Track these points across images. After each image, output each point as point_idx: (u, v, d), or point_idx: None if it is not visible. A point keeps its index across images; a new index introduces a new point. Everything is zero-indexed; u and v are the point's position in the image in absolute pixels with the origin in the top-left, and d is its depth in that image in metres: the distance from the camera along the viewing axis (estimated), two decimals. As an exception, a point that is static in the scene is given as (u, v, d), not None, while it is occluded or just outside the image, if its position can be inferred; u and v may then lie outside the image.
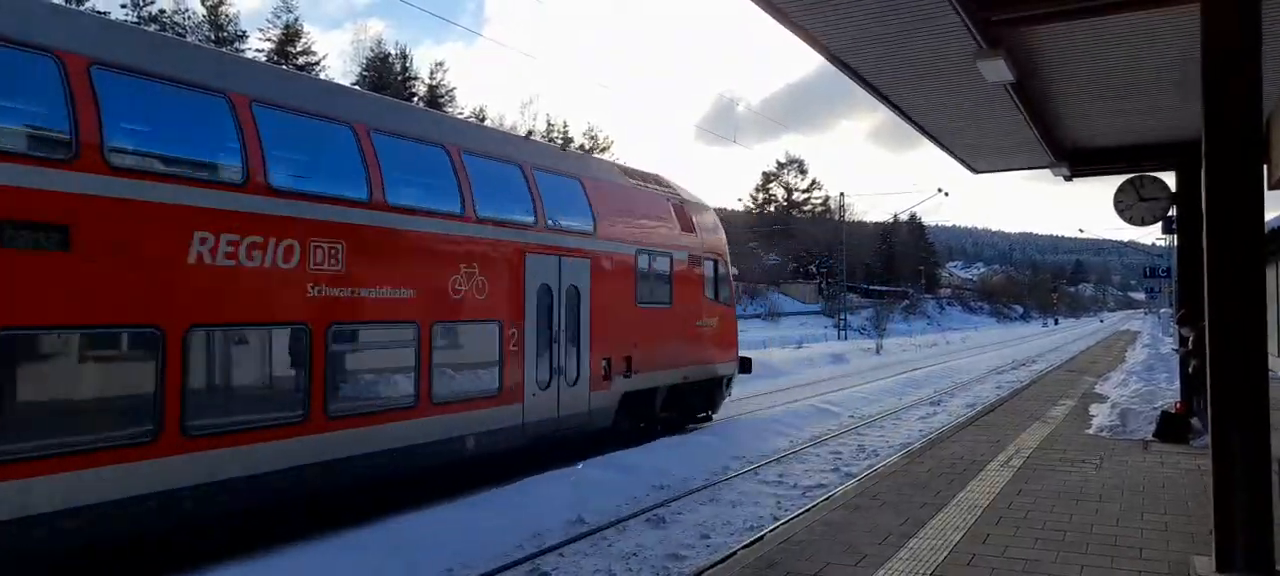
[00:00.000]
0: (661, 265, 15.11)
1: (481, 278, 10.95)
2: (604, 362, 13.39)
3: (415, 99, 60.92)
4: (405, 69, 66.78)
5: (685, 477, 12.09)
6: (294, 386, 8.79)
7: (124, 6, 51.77)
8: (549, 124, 77.34)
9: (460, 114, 65.53)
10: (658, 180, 16.47)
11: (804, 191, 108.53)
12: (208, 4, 55.62)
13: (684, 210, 16.27)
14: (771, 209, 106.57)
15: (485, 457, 11.07)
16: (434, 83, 67.71)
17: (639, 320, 14.31)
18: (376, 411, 9.59)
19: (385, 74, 62.47)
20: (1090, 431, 13.29)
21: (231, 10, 57.89)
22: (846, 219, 78.17)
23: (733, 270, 18.59)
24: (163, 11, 53.29)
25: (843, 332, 60.63)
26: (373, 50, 65.99)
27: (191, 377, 7.66)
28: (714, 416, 17.03)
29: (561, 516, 9.83)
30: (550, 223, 12.40)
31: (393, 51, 67.57)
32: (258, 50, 57.82)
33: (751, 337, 50.82)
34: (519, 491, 10.51)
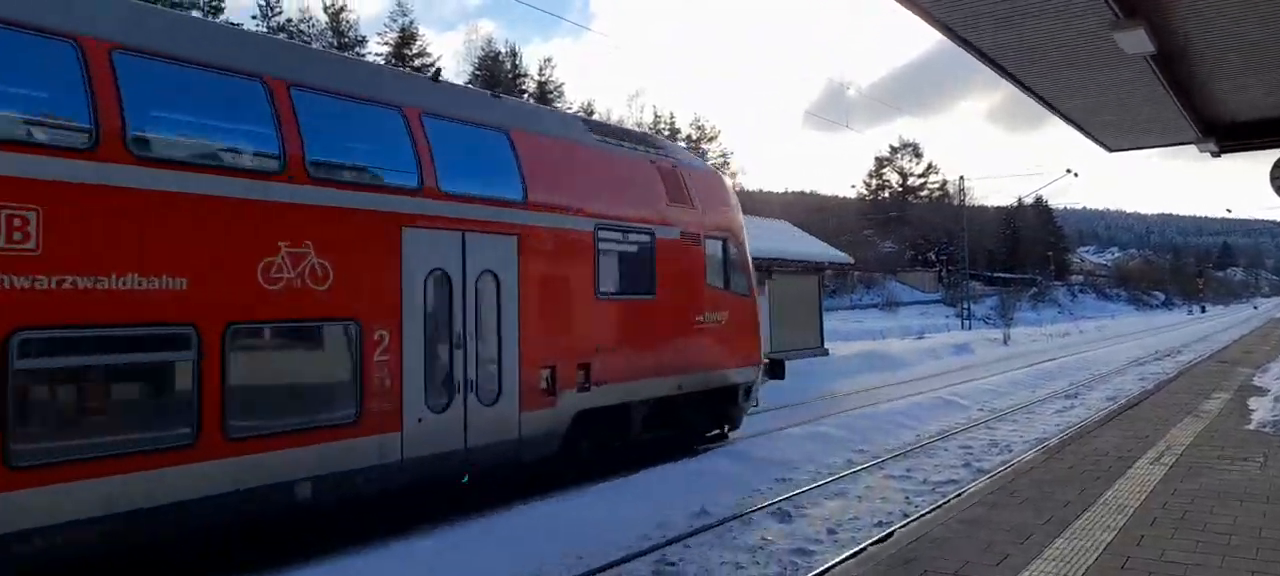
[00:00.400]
0: (638, 245, 11.84)
1: (319, 261, 7.98)
2: (544, 373, 10.21)
3: (526, 96, 62.27)
4: (515, 66, 68.46)
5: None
6: None
7: (254, 17, 55.10)
8: (656, 116, 77.66)
9: (569, 109, 66.88)
10: (643, 139, 13.78)
11: (919, 176, 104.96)
12: (330, 11, 58.56)
13: (676, 176, 12.80)
14: (885, 195, 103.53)
15: (339, 508, 8.31)
16: (543, 78, 69.17)
17: (601, 316, 11.08)
18: (111, 457, 6.60)
19: (496, 72, 64.30)
20: (1250, 426, 12.32)
21: (352, 16, 60.71)
22: (967, 203, 75.11)
23: (751, 253, 14.58)
24: (289, 21, 56.38)
25: (966, 322, 58.35)
26: (484, 49, 67.95)
27: None
28: (732, 434, 13.80)
29: (684, 508, 9.86)
30: (447, 187, 9.25)
31: (503, 50, 69.39)
32: (376, 54, 60.31)
33: (868, 328, 49.75)
34: (633, 484, 10.60)
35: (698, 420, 13.09)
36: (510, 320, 9.84)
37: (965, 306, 62.11)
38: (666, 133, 74.40)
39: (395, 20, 64.89)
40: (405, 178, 9.03)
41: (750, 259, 14.18)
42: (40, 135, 6.61)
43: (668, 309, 12.17)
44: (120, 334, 6.81)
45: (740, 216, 14.21)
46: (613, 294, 11.41)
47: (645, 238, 11.96)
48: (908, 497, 10.60)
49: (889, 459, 12.96)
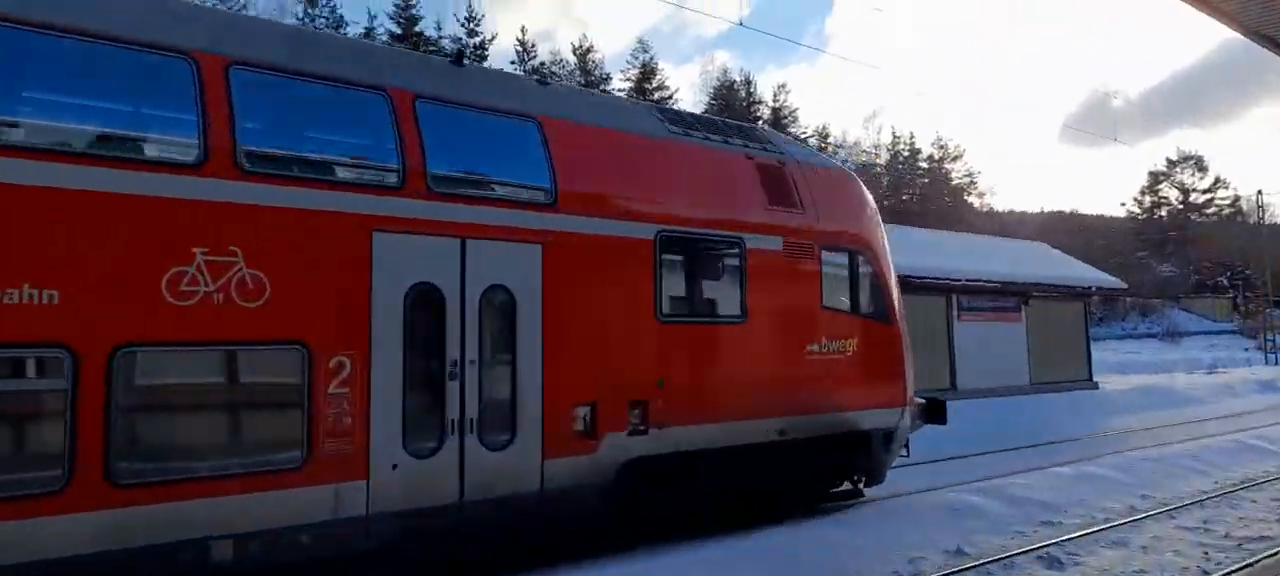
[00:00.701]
0: (722, 257, 9.78)
1: (251, 272, 6.61)
2: (581, 412, 8.39)
3: (759, 123, 62.80)
4: (749, 94, 69.39)
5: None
6: None
7: (512, 61, 59.90)
8: (894, 136, 74.98)
9: (803, 134, 66.30)
10: (741, 131, 10.99)
11: (1204, 192, 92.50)
12: (578, 52, 62.67)
13: (780, 175, 10.44)
14: (1161, 214, 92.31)
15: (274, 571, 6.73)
16: (777, 105, 69.43)
17: (666, 343, 9.05)
18: None
19: (731, 100, 65.56)
20: None
21: (598, 56, 64.74)
22: (1266, 220, 65.06)
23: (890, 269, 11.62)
24: (543, 63, 60.77)
25: (1271, 356, 50.41)
26: (719, 80, 69.54)
27: None
28: (867, 491, 11.29)
29: (938, 544, 9.21)
30: (440, 186, 7.68)
31: (737, 79, 70.54)
32: (620, 89, 63.48)
33: (1146, 360, 44.37)
34: (882, 514, 10.06)
35: (814, 473, 10.53)
36: (530, 346, 8.04)
37: (1267, 338, 53.67)
38: (905, 154, 71.56)
39: (636, 57, 68.46)
40: (381, 173, 7.58)
41: (892, 276, 11.43)
42: None
43: (764, 336, 9.81)
44: None
45: (878, 226, 11.59)
46: (683, 316, 9.30)
47: (732, 248, 9.73)
48: (1206, 553, 9.20)
49: (1180, 507, 11.34)
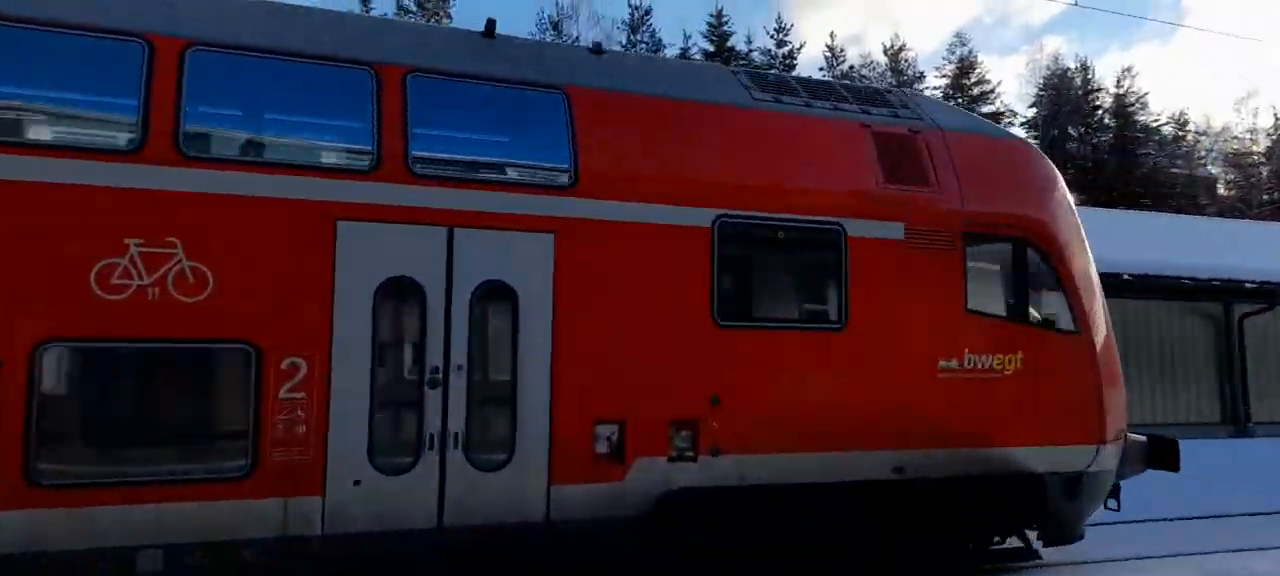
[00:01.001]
0: (811, 246, 8.04)
1: (191, 265, 6.18)
2: (604, 432, 7.16)
3: (1100, 113, 56.98)
4: (1086, 82, 61.44)
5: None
6: None
7: (821, 68, 57.81)
8: (1277, 120, 62.21)
9: (1155, 121, 58.39)
10: (862, 94, 9.13)
11: None
12: (889, 52, 59.45)
13: (908, 144, 8.47)
14: None
15: None
16: (1120, 90, 60.50)
17: (726, 352, 7.53)
18: None
19: (1063, 90, 58.93)
20: None
21: (910, 55, 61.81)
22: None
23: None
24: (852, 66, 57.44)
25: None
26: (1050, 68, 62.33)
27: None
28: (1046, 552, 8.89)
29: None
30: (424, 168, 6.89)
31: (1071, 66, 62.92)
32: (934, 88, 58.80)
33: None
34: None
35: (954, 522, 8.34)
36: (536, 351, 6.98)
37: None
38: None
39: (953, 51, 63.11)
40: (350, 157, 6.96)
41: (1085, 272, 8.86)
42: None
43: (871, 346, 7.88)
44: None
45: (1064, 208, 9.01)
46: (751, 321, 7.76)
47: (826, 236, 7.93)
48: None
49: None
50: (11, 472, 5.66)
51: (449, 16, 50.86)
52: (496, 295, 6.94)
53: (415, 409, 6.68)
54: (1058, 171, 9.44)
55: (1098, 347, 8.69)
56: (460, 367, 6.80)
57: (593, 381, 7.12)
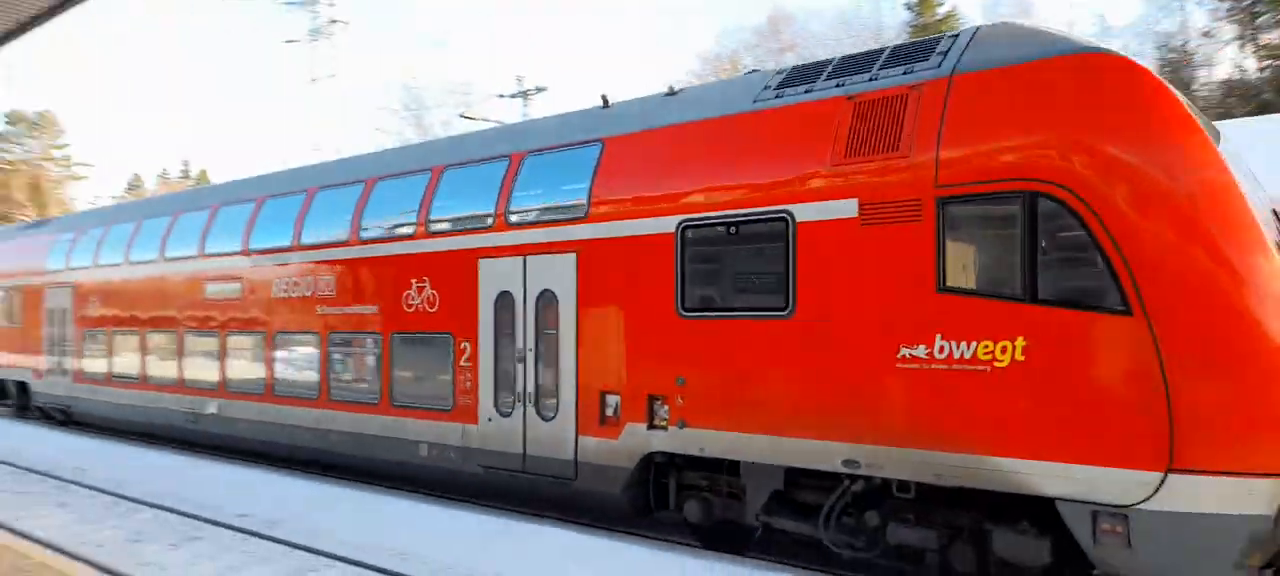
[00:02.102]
0: (758, 237, 8.40)
1: (434, 291, 11.97)
2: (610, 399, 9.40)
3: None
4: None
5: None
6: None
7: None
8: None
9: None
10: (896, 54, 8.29)
11: None
12: None
13: (887, 108, 7.74)
14: None
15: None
16: None
17: (687, 339, 8.80)
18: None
19: None
20: None
21: None
22: None
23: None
24: None
25: None
26: None
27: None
28: None
29: None
30: (513, 218, 10.76)
31: None
32: None
33: None
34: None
35: (931, 535, 7.46)
36: (567, 339, 9.81)
37: None
38: None
39: None
40: (482, 220, 11.05)
41: (1158, 230, 6.40)
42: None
43: (817, 332, 7.82)
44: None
45: (1131, 142, 6.61)
46: (707, 311, 8.66)
47: (772, 225, 8.16)
48: None
49: None
50: (386, 398, 12.02)
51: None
52: (547, 299, 10.14)
53: (512, 376, 10.43)
54: (1149, 89, 6.85)
55: (1173, 332, 6.19)
56: (531, 349, 10.23)
57: (599, 361, 9.53)
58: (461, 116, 35.60)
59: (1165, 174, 6.48)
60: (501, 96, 39.04)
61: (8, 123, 70.71)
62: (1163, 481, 6.17)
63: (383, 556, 8.81)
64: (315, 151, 66.48)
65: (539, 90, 37.81)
